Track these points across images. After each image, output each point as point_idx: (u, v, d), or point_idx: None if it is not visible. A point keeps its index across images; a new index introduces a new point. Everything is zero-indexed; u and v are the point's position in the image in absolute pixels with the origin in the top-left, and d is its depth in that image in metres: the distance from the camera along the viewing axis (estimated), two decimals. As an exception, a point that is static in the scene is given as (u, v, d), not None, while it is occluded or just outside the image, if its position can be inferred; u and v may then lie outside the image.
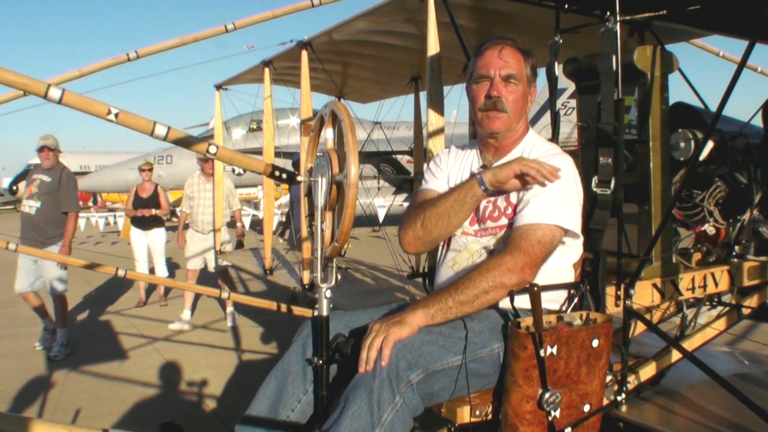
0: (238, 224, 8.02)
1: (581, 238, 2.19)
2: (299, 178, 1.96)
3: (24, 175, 30.27)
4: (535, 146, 2.21)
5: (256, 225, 16.10)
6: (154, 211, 8.71)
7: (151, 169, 9.09)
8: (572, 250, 2.18)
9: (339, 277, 1.84)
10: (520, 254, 1.96)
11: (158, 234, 8.77)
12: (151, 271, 8.83)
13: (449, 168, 2.37)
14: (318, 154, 1.91)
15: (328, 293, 1.85)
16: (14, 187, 29.95)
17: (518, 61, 2.15)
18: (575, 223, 2.09)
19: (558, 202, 2.04)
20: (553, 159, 2.11)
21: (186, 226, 7.82)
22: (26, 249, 5.84)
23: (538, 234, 2.00)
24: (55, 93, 1.71)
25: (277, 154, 7.03)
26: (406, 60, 5.50)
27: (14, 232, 7.85)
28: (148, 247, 8.80)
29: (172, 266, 10.73)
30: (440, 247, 2.32)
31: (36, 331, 7.55)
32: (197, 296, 8.00)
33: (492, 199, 2.16)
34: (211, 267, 7.58)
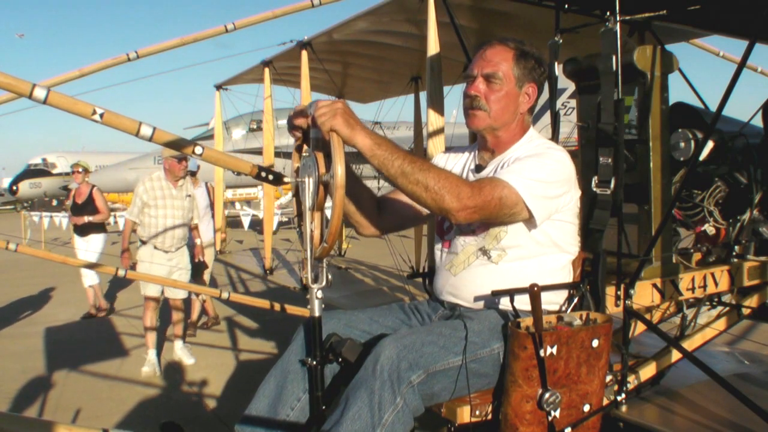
0: (197, 241, 6.40)
1: (575, 239, 2.19)
2: (285, 179, 1.95)
3: (24, 175, 30.33)
4: (534, 142, 2.19)
5: (256, 225, 16.11)
6: (86, 219, 7.98)
7: (83, 171, 8.12)
8: (570, 248, 2.18)
9: (330, 276, 1.82)
10: (479, 197, 1.89)
11: (95, 241, 8.01)
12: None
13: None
14: (304, 154, 1.90)
15: (320, 294, 1.83)
16: (14, 187, 29.97)
17: (505, 59, 2.12)
18: (539, 207, 2.00)
19: (537, 178, 2.00)
20: (548, 151, 2.10)
21: (142, 242, 5.94)
22: (26, 249, 5.84)
23: (505, 191, 1.95)
24: (40, 93, 1.70)
25: (277, 154, 7.01)
26: (406, 60, 5.50)
27: (14, 232, 7.88)
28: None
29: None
30: (439, 250, 2.32)
31: (37, 331, 7.57)
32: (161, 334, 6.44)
33: None
34: (178, 294, 6.02)
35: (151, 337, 5.84)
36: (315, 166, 1.78)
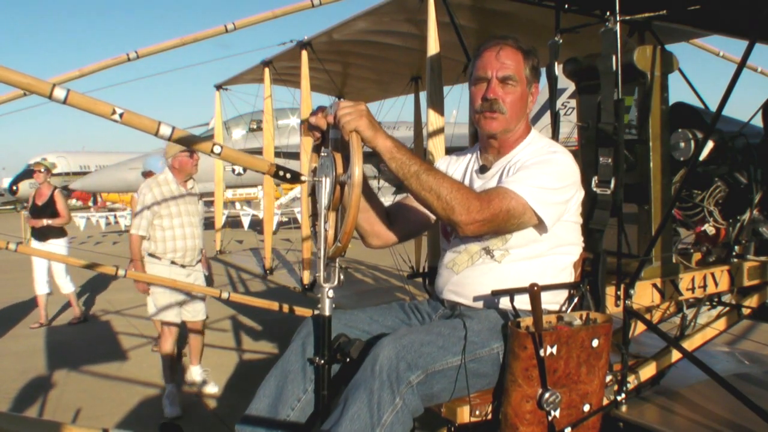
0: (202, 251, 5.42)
1: (578, 238, 2.19)
2: (303, 178, 1.96)
3: (24, 175, 30.34)
4: (537, 144, 2.20)
5: (256, 225, 16.11)
6: (45, 222, 7.53)
7: (45, 170, 7.67)
8: (573, 248, 2.19)
9: (342, 276, 1.84)
10: (488, 211, 1.92)
11: (57, 246, 7.54)
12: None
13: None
14: (322, 153, 1.90)
15: (331, 293, 1.85)
16: (14, 187, 29.97)
17: (517, 61, 2.13)
18: (548, 213, 2.02)
19: (544, 186, 2.01)
20: (552, 156, 2.10)
21: (154, 257, 4.97)
22: (26, 249, 5.85)
23: (513, 203, 1.97)
24: (59, 93, 1.71)
25: (277, 154, 7.02)
26: (406, 60, 5.50)
27: (14, 232, 7.87)
28: (48, 262, 7.62)
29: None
30: (442, 249, 2.33)
31: (37, 331, 7.57)
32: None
33: None
34: (199, 316, 5.18)
35: (171, 370, 4.95)
36: (332, 166, 1.80)
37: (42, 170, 7.66)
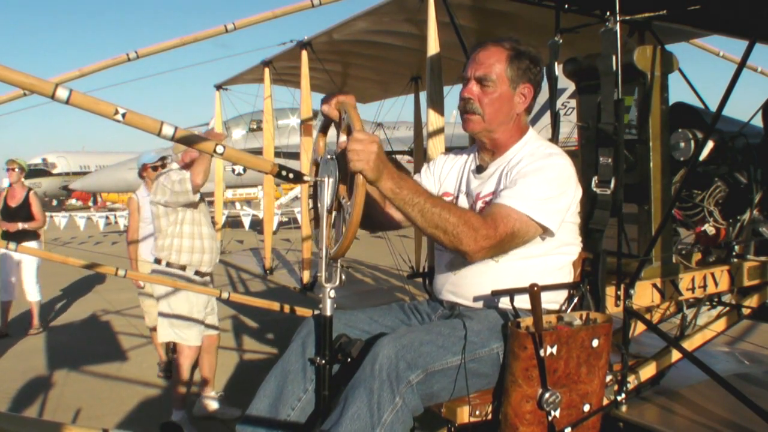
0: None
1: (576, 238, 2.19)
2: (306, 178, 1.96)
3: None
4: (533, 145, 2.19)
5: (256, 225, 16.11)
6: (20, 226, 7.13)
7: (19, 169, 7.27)
8: (571, 248, 2.19)
9: (343, 277, 1.84)
10: (495, 237, 1.93)
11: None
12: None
13: (444, 172, 2.37)
14: (326, 156, 1.90)
15: (332, 293, 1.85)
16: (14, 187, 29.95)
17: (498, 61, 2.11)
18: (553, 221, 2.03)
19: (544, 197, 2.01)
20: (548, 161, 2.09)
21: (172, 267, 4.46)
22: (26, 249, 5.84)
23: (517, 225, 1.97)
24: (62, 93, 1.71)
25: (277, 154, 7.01)
26: (406, 60, 5.50)
27: (13, 232, 7.85)
28: (20, 266, 7.34)
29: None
30: (439, 249, 2.32)
31: (37, 332, 7.56)
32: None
33: (488, 199, 2.16)
34: (215, 330, 4.81)
35: (183, 396, 4.49)
36: (336, 167, 1.80)
37: (16, 169, 7.27)
